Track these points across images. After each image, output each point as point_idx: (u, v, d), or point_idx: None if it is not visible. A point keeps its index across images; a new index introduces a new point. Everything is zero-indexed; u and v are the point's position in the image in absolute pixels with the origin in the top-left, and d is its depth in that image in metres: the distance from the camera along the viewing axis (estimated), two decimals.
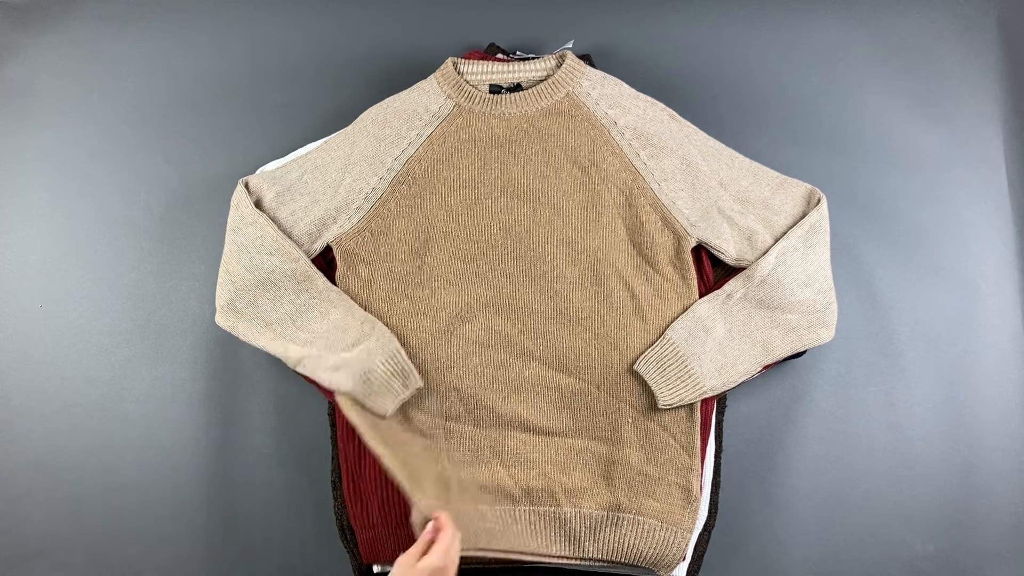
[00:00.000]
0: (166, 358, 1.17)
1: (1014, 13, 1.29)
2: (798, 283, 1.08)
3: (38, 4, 1.27)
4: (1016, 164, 1.25)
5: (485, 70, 1.14)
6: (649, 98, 1.15)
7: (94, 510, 1.13)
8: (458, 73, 1.13)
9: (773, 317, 1.08)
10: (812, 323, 1.09)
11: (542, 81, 1.13)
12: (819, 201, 1.11)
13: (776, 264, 1.08)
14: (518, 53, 1.21)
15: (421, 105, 1.12)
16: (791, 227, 1.10)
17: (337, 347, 1.04)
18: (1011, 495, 1.16)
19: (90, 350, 1.17)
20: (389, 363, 1.04)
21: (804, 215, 1.11)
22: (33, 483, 1.14)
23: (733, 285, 1.09)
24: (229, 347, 1.16)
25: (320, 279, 1.08)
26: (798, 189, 1.12)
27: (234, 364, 1.16)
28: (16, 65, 1.25)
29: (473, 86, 1.13)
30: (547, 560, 1.07)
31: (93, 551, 1.12)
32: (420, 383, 1.05)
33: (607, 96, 1.13)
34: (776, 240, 1.10)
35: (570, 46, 1.18)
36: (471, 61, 1.14)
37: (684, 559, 1.07)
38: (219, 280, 1.09)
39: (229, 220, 1.10)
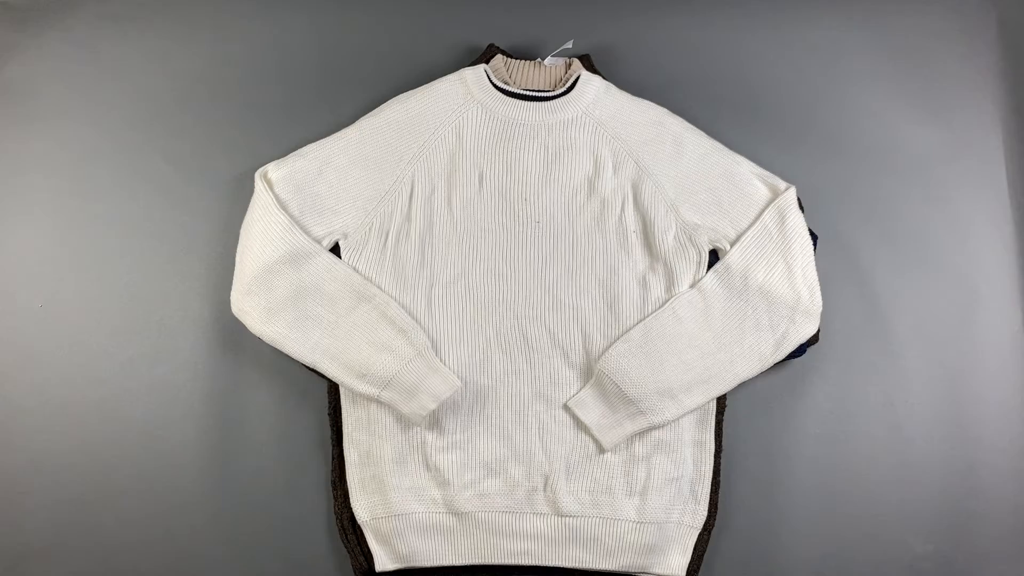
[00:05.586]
0: (166, 358, 1.17)
1: (1014, 13, 1.29)
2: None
3: (38, 4, 1.27)
4: (1016, 164, 1.25)
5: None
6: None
7: (94, 510, 1.13)
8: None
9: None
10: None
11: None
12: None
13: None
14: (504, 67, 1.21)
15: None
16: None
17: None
18: (1011, 495, 1.16)
19: (90, 350, 1.17)
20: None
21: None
22: (33, 483, 1.14)
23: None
24: (229, 347, 1.16)
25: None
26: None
27: (234, 364, 1.16)
28: (16, 65, 1.25)
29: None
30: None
31: (93, 551, 1.12)
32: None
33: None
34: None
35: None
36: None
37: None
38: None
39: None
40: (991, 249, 1.22)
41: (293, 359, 1.09)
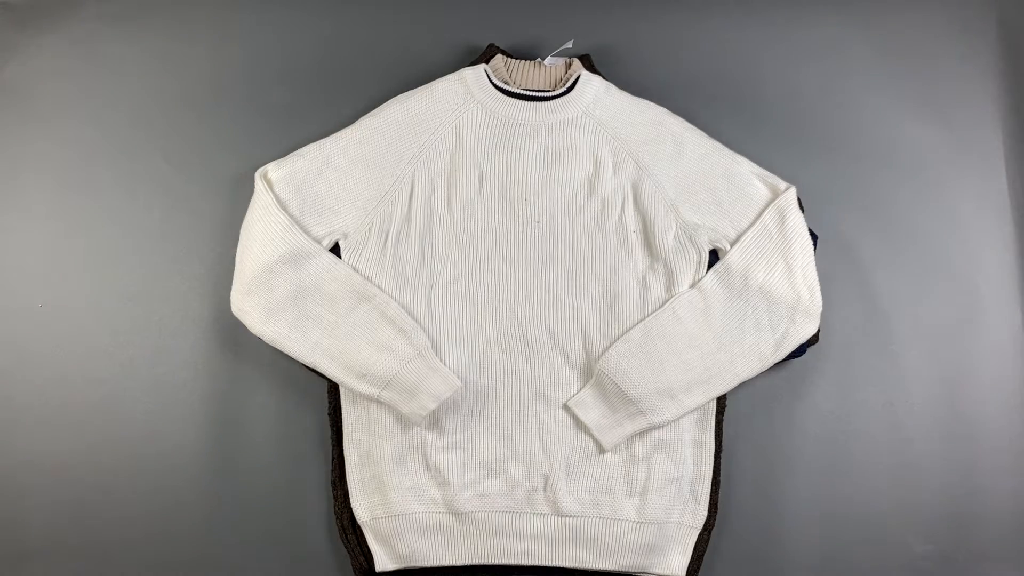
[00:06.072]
0: (166, 358, 1.17)
1: (1014, 13, 1.29)
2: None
3: (38, 4, 1.27)
4: (1016, 164, 1.25)
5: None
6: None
7: (94, 510, 1.13)
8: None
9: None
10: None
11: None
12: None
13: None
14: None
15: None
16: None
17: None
18: (1011, 495, 1.16)
19: (90, 350, 1.17)
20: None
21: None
22: (33, 483, 1.14)
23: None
24: (229, 347, 1.16)
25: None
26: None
27: (234, 364, 1.16)
28: (16, 65, 1.25)
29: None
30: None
31: (93, 551, 1.12)
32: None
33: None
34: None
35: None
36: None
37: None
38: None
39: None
40: (991, 249, 1.22)
41: (293, 359, 1.09)
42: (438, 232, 1.12)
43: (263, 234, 1.09)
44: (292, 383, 1.15)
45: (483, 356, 1.09)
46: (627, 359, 1.07)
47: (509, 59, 1.19)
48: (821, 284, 1.11)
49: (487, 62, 1.19)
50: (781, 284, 1.09)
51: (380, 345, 1.05)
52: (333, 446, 1.11)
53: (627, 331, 1.09)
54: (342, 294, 1.07)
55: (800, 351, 1.12)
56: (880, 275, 1.21)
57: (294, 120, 1.23)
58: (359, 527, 1.09)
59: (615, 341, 1.08)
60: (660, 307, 1.09)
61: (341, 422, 1.11)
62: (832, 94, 1.26)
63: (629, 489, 1.08)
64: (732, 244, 1.11)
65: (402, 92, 1.17)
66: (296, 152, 1.14)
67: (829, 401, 1.17)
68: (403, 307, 1.09)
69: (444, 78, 1.17)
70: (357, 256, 1.10)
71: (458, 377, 1.06)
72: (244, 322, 1.09)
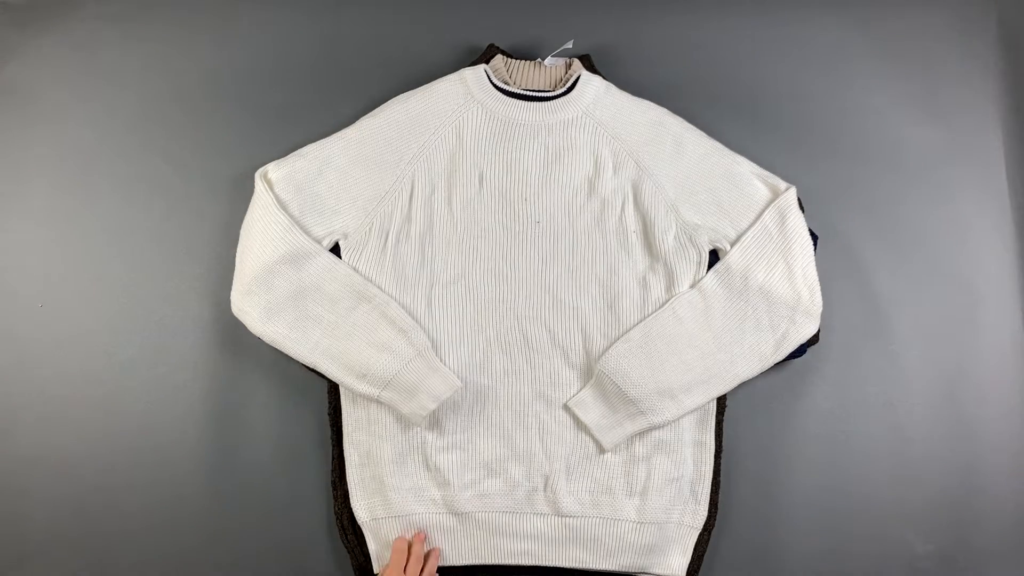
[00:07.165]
0: (166, 358, 1.17)
1: (1014, 13, 1.29)
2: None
3: (38, 4, 1.27)
4: (1016, 164, 1.25)
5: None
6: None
7: (94, 510, 1.13)
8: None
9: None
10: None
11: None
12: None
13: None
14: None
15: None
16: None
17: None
18: (1011, 495, 1.16)
19: (90, 350, 1.17)
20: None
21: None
22: (34, 482, 1.14)
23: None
24: (229, 347, 1.16)
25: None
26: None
27: (234, 364, 1.16)
28: (16, 65, 1.25)
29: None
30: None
31: (93, 550, 1.12)
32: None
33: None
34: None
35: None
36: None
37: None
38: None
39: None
40: (991, 249, 1.22)
41: (293, 359, 1.09)
42: (438, 232, 1.12)
43: (263, 234, 1.09)
44: (292, 383, 1.15)
45: (483, 356, 1.09)
46: (627, 359, 1.07)
47: (509, 59, 1.19)
48: (821, 284, 1.11)
49: (487, 62, 1.19)
50: (781, 284, 1.09)
51: (380, 345, 1.05)
52: (333, 446, 1.11)
53: (627, 331, 1.09)
54: (342, 294, 1.07)
55: (800, 351, 1.12)
56: (880, 275, 1.21)
57: (294, 120, 1.23)
58: (359, 527, 1.09)
59: (615, 341, 1.08)
60: (660, 307, 1.09)
61: (341, 422, 1.11)
62: (832, 94, 1.26)
63: (629, 489, 1.08)
64: (732, 244, 1.11)
65: (402, 92, 1.17)
66: (296, 152, 1.14)
67: (829, 401, 1.17)
68: (403, 307, 1.09)
69: (444, 78, 1.17)
70: (357, 256, 1.10)
71: (458, 377, 1.06)
72: (244, 322, 1.09)
